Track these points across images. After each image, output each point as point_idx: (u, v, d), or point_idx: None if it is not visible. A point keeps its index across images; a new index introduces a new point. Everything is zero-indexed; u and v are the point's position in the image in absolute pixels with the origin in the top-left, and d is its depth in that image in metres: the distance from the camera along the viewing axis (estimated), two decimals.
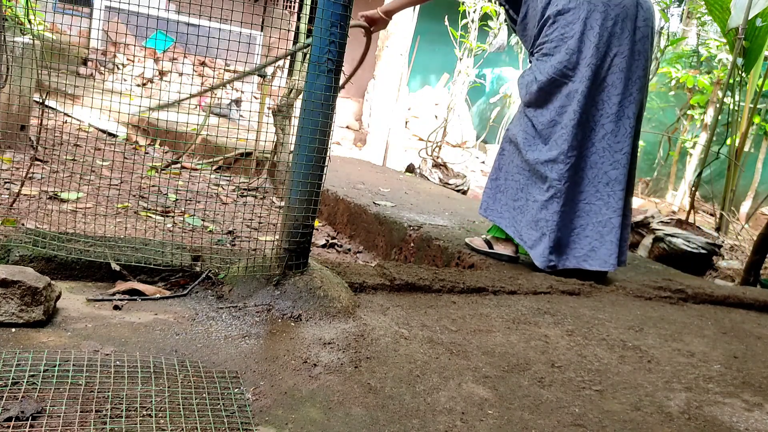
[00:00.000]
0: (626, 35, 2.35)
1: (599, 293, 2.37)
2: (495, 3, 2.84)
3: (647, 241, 3.89)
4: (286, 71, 4.92)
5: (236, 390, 1.25)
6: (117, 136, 5.22)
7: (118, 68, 7.81)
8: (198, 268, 1.82)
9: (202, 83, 8.29)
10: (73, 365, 1.22)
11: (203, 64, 8.58)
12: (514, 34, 2.87)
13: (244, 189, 4.00)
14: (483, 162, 9.79)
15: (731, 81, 4.43)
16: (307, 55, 1.73)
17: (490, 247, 2.70)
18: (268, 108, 4.41)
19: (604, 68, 2.36)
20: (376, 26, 2.45)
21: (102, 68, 7.79)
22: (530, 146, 2.48)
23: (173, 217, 3.11)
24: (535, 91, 2.44)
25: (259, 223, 3.25)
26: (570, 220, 2.46)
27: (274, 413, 1.19)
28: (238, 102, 7.08)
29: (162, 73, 8.15)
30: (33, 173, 3.31)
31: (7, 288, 1.35)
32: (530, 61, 2.55)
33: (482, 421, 1.28)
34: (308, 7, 3.79)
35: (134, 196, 3.32)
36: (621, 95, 2.38)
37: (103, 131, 5.27)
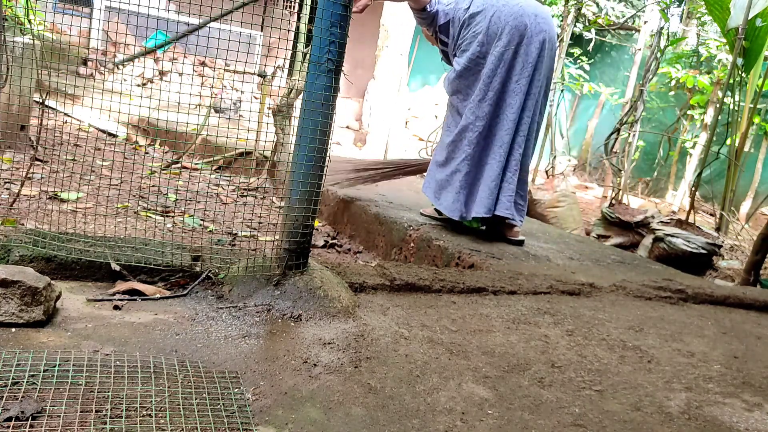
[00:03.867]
0: (527, 30, 2.84)
1: (599, 293, 2.37)
2: (433, 40, 3.16)
3: (647, 241, 3.89)
4: (286, 71, 4.92)
5: (236, 390, 1.24)
6: (117, 136, 5.22)
7: (118, 68, 7.81)
8: (198, 268, 1.82)
9: (202, 83, 8.29)
10: (73, 365, 1.22)
11: (203, 64, 8.58)
12: None
13: (244, 189, 4.01)
14: None
15: (731, 81, 4.43)
16: (307, 55, 1.73)
17: (440, 213, 3.20)
18: (268, 108, 4.41)
19: (507, 55, 2.85)
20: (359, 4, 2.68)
21: (102, 68, 7.79)
22: (449, 128, 3.01)
23: (173, 217, 3.11)
24: (454, 78, 2.94)
25: (259, 223, 3.25)
26: (475, 178, 2.95)
27: (274, 413, 1.19)
28: (238, 102, 7.08)
29: (162, 73, 8.15)
30: (33, 173, 3.30)
31: (7, 288, 1.35)
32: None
33: (482, 421, 1.28)
34: (308, 7, 3.79)
35: (134, 196, 3.32)
36: (520, 75, 2.87)
37: (103, 131, 5.27)
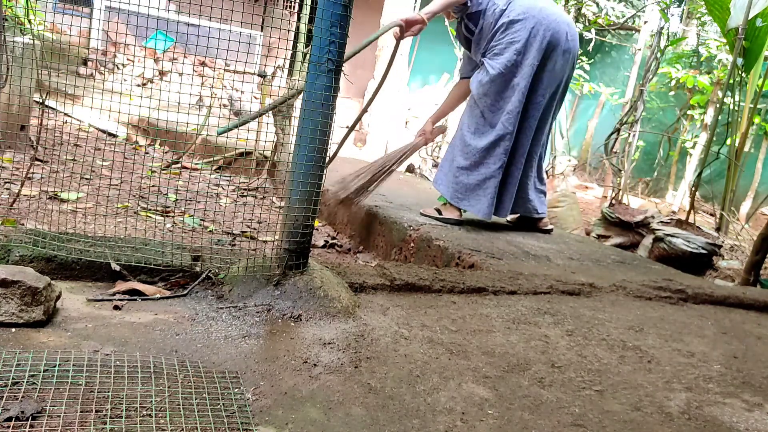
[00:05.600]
0: (559, 46, 3.00)
1: (599, 293, 2.37)
2: (456, 20, 3.20)
3: (647, 241, 3.89)
4: (286, 71, 4.92)
5: (236, 390, 1.24)
6: (117, 136, 5.22)
7: (118, 68, 7.81)
8: (198, 268, 1.82)
9: (202, 83, 8.29)
10: (73, 365, 1.22)
11: (203, 64, 8.58)
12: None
13: (244, 189, 4.00)
14: None
15: (731, 81, 4.43)
16: (307, 55, 1.73)
17: (440, 213, 3.25)
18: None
19: (540, 67, 2.99)
20: (413, 29, 2.85)
21: (102, 68, 7.79)
22: (481, 133, 3.09)
23: (173, 217, 3.11)
24: (487, 81, 3.02)
25: (259, 222, 3.25)
26: (502, 184, 3.14)
27: (274, 413, 1.19)
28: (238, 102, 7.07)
29: (162, 73, 8.15)
30: (33, 173, 3.31)
31: (7, 288, 1.35)
32: (480, 62, 3.10)
33: (482, 421, 1.28)
34: (308, 7, 3.79)
35: (134, 196, 3.32)
36: (546, 89, 3.05)
37: (103, 131, 5.27)
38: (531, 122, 3.06)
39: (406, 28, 2.82)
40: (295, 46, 3.89)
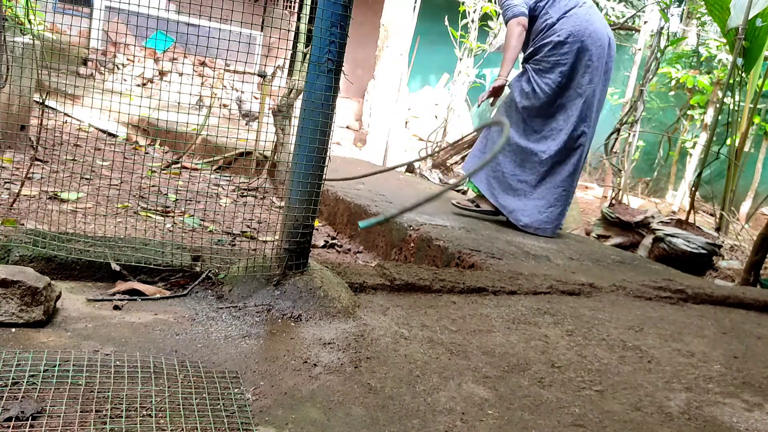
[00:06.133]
0: (601, 68, 3.22)
1: (599, 293, 2.37)
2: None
3: (647, 241, 3.89)
4: (286, 71, 4.92)
5: (236, 390, 1.24)
6: (117, 136, 5.22)
7: (118, 68, 7.81)
8: (198, 268, 1.82)
9: (202, 83, 8.29)
10: (73, 365, 1.22)
11: (203, 64, 8.58)
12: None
13: (244, 189, 4.00)
14: None
15: (731, 81, 4.43)
16: (307, 55, 1.73)
17: (477, 206, 3.49)
18: (269, 108, 4.41)
19: (583, 89, 3.21)
20: (499, 94, 3.27)
21: (102, 68, 7.79)
22: (525, 136, 3.31)
23: (173, 217, 3.11)
24: (532, 97, 3.25)
25: (259, 222, 3.25)
26: (543, 195, 3.34)
27: (274, 413, 1.19)
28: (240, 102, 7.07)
29: (162, 73, 8.14)
30: (33, 173, 3.31)
31: (7, 288, 1.35)
32: (522, 65, 3.34)
33: (482, 421, 1.28)
34: (308, 7, 3.79)
35: (134, 196, 3.32)
36: (590, 109, 3.27)
37: (103, 131, 5.27)
38: (576, 138, 3.29)
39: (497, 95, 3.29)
40: (295, 46, 3.89)
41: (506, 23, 3.24)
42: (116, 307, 1.57)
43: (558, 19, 3.16)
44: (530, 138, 3.30)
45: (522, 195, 3.34)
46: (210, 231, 3.00)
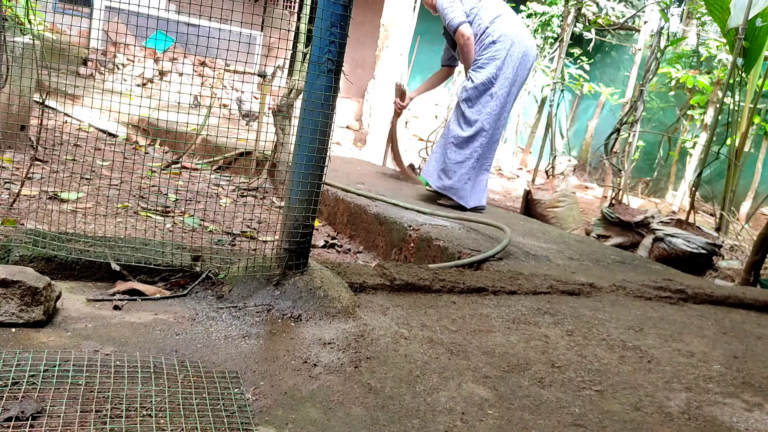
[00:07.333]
0: (526, 64, 3.73)
1: (599, 293, 2.37)
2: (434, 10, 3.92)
3: (647, 241, 3.89)
4: (286, 71, 4.92)
5: (236, 390, 1.24)
6: (117, 136, 5.22)
7: (118, 68, 7.81)
8: (198, 268, 1.82)
9: (202, 83, 8.29)
10: (73, 365, 1.22)
11: (203, 64, 8.58)
12: None
13: (244, 189, 4.00)
14: None
15: (731, 81, 4.43)
16: (307, 55, 1.73)
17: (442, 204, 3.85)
18: (269, 108, 4.41)
19: (512, 81, 3.71)
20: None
21: (102, 68, 7.79)
22: (461, 128, 3.74)
23: (173, 217, 3.11)
24: (470, 88, 3.69)
25: (259, 222, 3.25)
26: (476, 174, 3.77)
27: (274, 413, 1.19)
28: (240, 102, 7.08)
29: (162, 73, 8.14)
30: (33, 173, 3.31)
31: (7, 288, 1.35)
32: (466, 71, 3.81)
33: (482, 421, 1.28)
34: (308, 7, 3.79)
35: (134, 196, 3.32)
36: (514, 98, 3.81)
37: (103, 131, 5.27)
38: (500, 121, 3.77)
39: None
40: (295, 46, 3.89)
41: (454, 33, 3.70)
42: (116, 307, 1.57)
43: (490, 23, 3.65)
44: (464, 128, 3.73)
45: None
46: (210, 231, 3.00)
